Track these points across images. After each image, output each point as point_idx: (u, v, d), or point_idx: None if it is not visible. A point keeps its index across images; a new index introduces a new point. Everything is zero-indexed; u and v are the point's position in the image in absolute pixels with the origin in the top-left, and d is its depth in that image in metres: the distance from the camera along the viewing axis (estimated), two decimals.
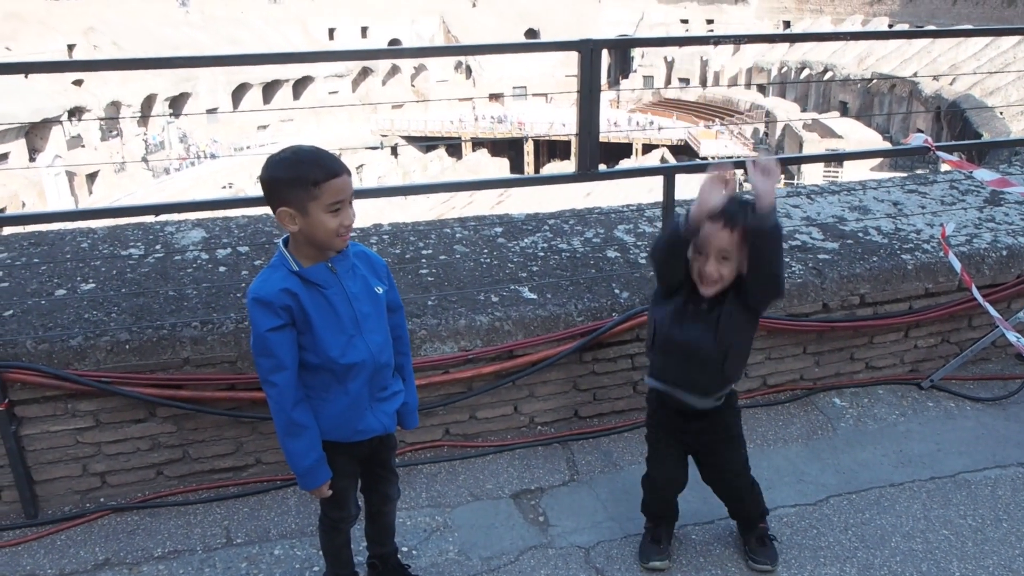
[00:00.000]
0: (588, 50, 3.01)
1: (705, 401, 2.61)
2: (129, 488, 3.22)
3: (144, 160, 45.96)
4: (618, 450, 3.49)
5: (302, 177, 2.09)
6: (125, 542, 3.00)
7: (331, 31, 66.78)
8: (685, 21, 72.95)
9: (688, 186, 4.39)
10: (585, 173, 3.21)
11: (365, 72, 63.98)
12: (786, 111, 49.72)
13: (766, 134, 49.68)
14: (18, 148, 41.32)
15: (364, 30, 68.67)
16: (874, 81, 48.10)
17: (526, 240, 4.08)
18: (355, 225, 4.41)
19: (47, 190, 39.44)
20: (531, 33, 70.56)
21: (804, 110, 51.72)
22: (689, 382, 2.58)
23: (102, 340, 3.03)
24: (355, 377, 2.27)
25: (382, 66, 64.54)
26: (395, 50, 3.36)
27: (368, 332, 2.28)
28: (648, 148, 54.52)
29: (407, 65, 65.80)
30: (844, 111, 49.27)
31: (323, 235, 2.14)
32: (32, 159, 41.01)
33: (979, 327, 4.06)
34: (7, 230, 4.12)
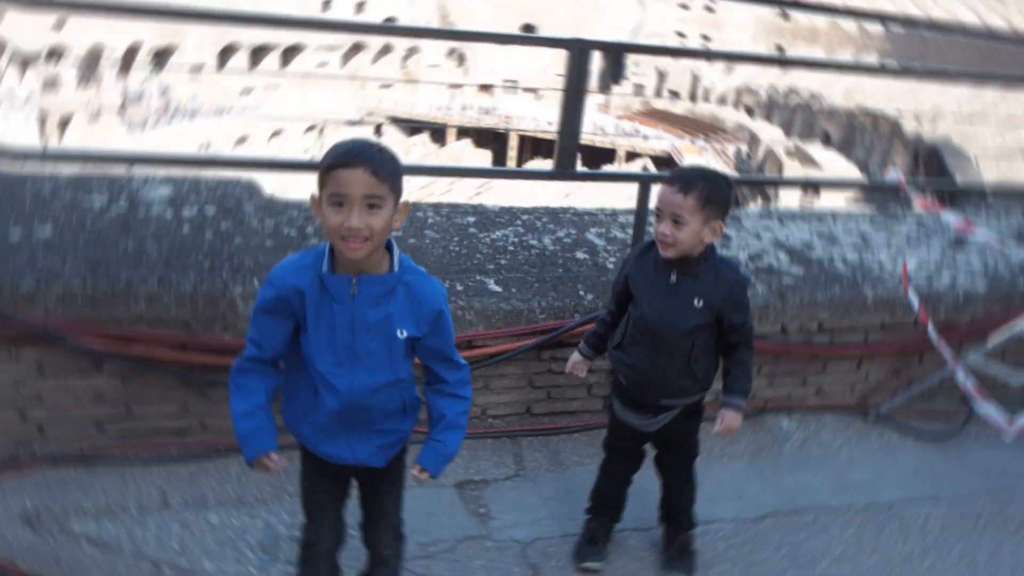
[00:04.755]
0: (578, 50, 3.01)
1: (673, 404, 2.65)
2: (67, 440, 3.16)
3: (122, 110, 45.14)
4: (566, 450, 3.51)
5: (322, 161, 1.91)
6: (57, 494, 2.94)
7: (325, 2, 66.07)
8: (682, 35, 73.31)
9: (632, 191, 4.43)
10: (563, 172, 3.22)
11: (357, 48, 63.38)
12: (770, 135, 50.20)
13: (748, 156, 50.12)
14: None
15: (360, 5, 68.03)
16: (858, 115, 48.75)
17: (498, 233, 4.07)
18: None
19: (14, 127, 38.54)
20: (528, 28, 70.45)
21: (788, 135, 52.31)
22: (658, 379, 2.60)
23: (53, 287, 2.97)
24: (327, 400, 2.04)
25: (375, 44, 63.99)
26: (389, 27, 3.33)
27: (361, 369, 2.01)
28: (632, 156, 54.73)
29: (400, 46, 65.33)
30: (827, 141, 49.87)
31: (327, 231, 1.91)
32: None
33: (929, 364, 4.13)
34: None
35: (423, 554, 2.82)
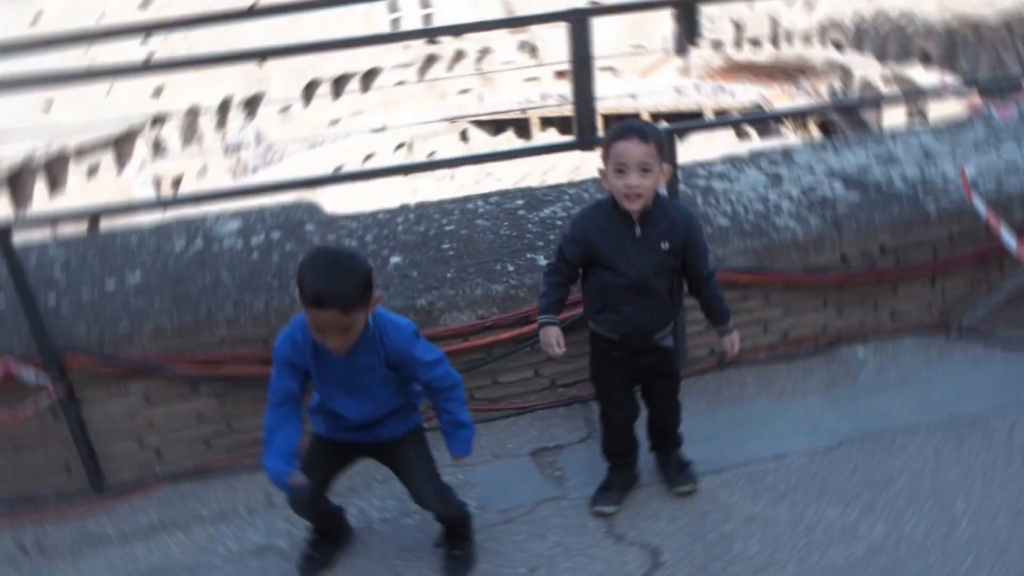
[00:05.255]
0: (575, 20, 3.11)
1: (665, 335, 2.81)
2: (181, 459, 3.51)
3: (226, 158, 47.66)
4: None
5: (300, 290, 2.32)
6: (178, 507, 3.29)
7: (394, 22, 67.51)
8: None
9: (698, 145, 4.45)
10: (584, 141, 3.32)
11: (431, 60, 64.53)
12: (863, 65, 47.84)
13: (844, 91, 47.94)
14: (107, 159, 43.45)
15: (427, 17, 69.17)
16: (958, 27, 45.82)
17: (546, 211, 4.20)
18: (383, 206, 4.59)
19: (136, 195, 41.33)
20: (594, 3, 69.57)
21: (883, 62, 49.69)
22: (651, 321, 2.75)
23: (146, 326, 3.32)
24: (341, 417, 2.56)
25: (447, 53, 65.00)
26: (378, 36, 3.51)
27: (360, 399, 2.52)
28: (719, 114, 53.36)
29: (471, 50, 66.10)
30: (926, 60, 47.08)
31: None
32: (120, 171, 43.02)
33: (1010, 270, 3.98)
34: (65, 231, 4.49)
35: (503, 519, 3.00)
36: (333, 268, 2.24)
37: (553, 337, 2.78)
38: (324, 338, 2.29)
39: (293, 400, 2.49)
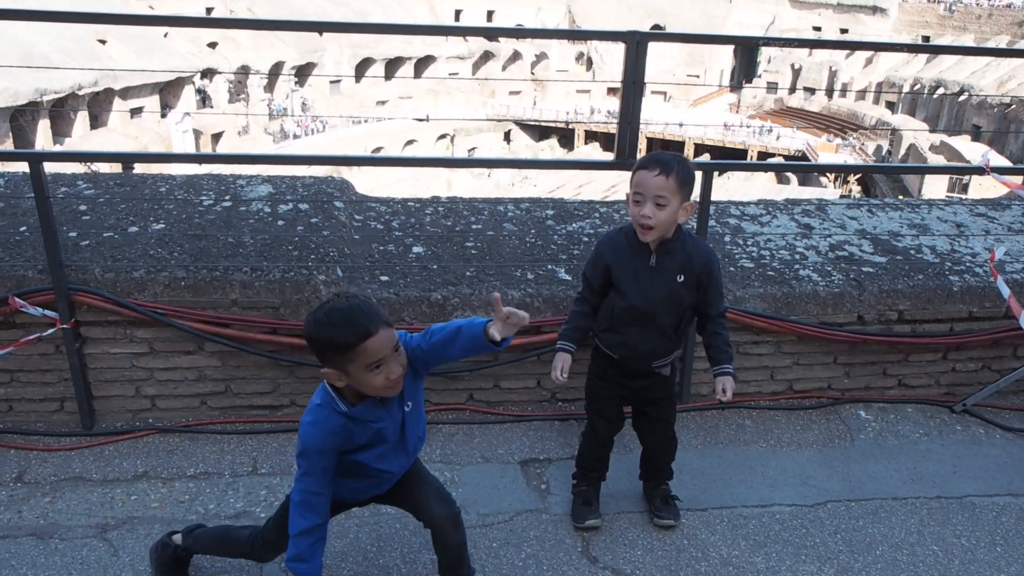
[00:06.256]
0: (634, 42, 3.11)
1: (664, 363, 2.83)
2: (175, 413, 3.54)
3: (269, 122, 48.02)
4: (630, 434, 3.58)
5: (334, 342, 2.03)
6: (164, 459, 3.31)
7: (457, 13, 67.78)
8: (818, 28, 70.53)
9: (735, 186, 4.42)
10: (623, 162, 3.32)
11: (487, 56, 64.68)
12: (913, 130, 47.50)
13: (889, 152, 47.59)
14: (152, 103, 43.90)
15: (490, 14, 69.35)
16: (1013, 106, 45.36)
17: (574, 225, 4.20)
18: (415, 195, 4.62)
19: (174, 145, 41.73)
20: (656, 28, 69.48)
21: (934, 131, 49.30)
22: (650, 349, 2.76)
23: (161, 275, 3.34)
24: (379, 475, 2.33)
25: (504, 51, 65.15)
26: (407, 26, 3.55)
27: (407, 449, 2.32)
28: (763, 156, 53.16)
29: (528, 52, 66.24)
30: (976, 135, 46.66)
31: (370, 391, 2.13)
32: (163, 115, 43.42)
33: None
34: (96, 170, 4.53)
35: (481, 523, 2.99)
36: (352, 307, 2.06)
37: (560, 363, 2.79)
38: (385, 373, 2.07)
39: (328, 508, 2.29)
